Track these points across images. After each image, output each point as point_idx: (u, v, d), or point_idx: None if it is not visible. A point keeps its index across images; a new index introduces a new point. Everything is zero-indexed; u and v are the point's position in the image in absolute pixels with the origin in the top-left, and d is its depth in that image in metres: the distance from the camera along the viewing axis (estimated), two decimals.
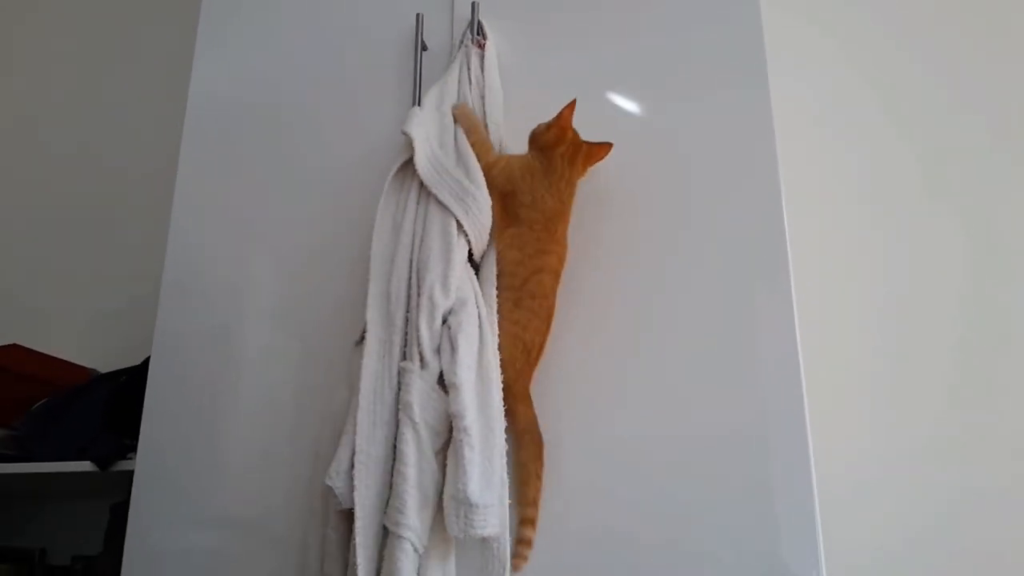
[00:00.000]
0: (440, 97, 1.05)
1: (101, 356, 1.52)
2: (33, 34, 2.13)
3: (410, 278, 0.93)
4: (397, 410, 0.87)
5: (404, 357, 0.90)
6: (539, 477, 0.89)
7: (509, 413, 0.89)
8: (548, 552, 0.87)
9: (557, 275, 0.96)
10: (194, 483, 1.03)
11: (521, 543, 0.87)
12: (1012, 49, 1.58)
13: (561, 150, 0.98)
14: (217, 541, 1.00)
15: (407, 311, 0.92)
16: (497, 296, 0.95)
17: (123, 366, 1.40)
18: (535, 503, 0.88)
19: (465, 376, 0.85)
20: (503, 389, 0.89)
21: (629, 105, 1.07)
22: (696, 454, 0.89)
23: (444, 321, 0.89)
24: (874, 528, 1.30)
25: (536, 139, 1.00)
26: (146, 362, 1.15)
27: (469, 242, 0.95)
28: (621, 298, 0.98)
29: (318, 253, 1.10)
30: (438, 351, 0.88)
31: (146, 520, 1.03)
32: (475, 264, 0.98)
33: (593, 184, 1.01)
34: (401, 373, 0.88)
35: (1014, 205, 1.47)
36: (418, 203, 0.97)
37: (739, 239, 0.97)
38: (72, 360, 1.51)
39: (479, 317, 0.91)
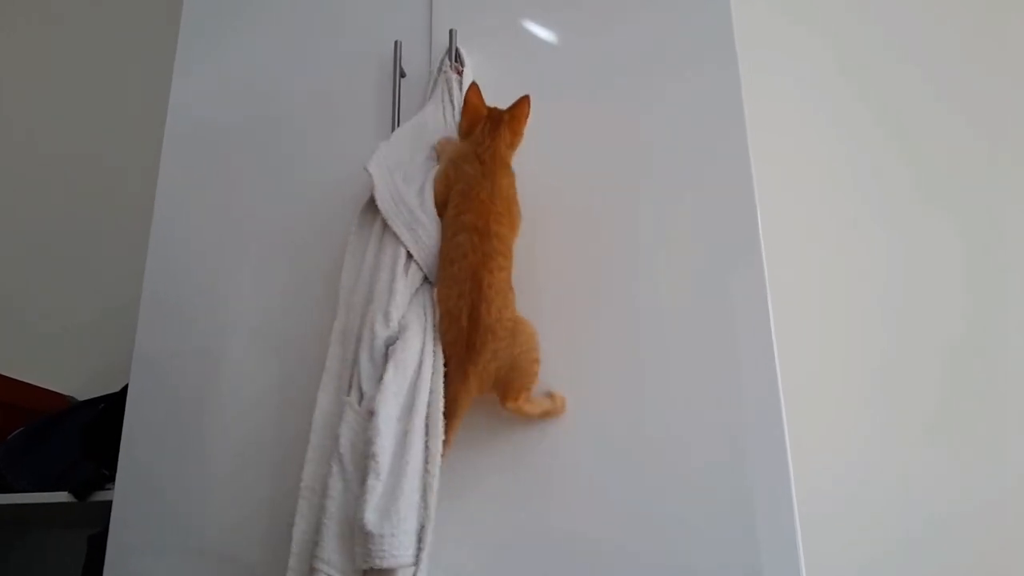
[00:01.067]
0: (416, 128, 1.06)
1: (79, 383, 1.51)
2: (8, 47, 2.12)
3: (363, 312, 0.93)
4: None
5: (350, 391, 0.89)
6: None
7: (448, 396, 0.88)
8: (526, 561, 0.87)
9: (478, 230, 0.92)
10: (173, 513, 1.02)
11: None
12: (1008, 52, 1.60)
13: (477, 131, 0.99)
14: (197, 572, 0.99)
15: (357, 345, 0.91)
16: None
17: (101, 393, 1.38)
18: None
19: (385, 401, 0.84)
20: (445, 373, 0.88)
21: (605, 117, 1.08)
22: (675, 469, 0.89)
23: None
24: (855, 543, 1.31)
25: (460, 133, 1.03)
26: (125, 389, 1.14)
27: (421, 268, 0.95)
28: (596, 309, 0.98)
29: (298, 274, 1.10)
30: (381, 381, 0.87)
31: (125, 551, 1.01)
32: None
33: (574, 209, 1.03)
34: (343, 407, 0.88)
35: (1010, 215, 1.49)
36: (380, 239, 0.98)
37: (715, 251, 0.98)
38: (49, 387, 1.49)
39: (422, 343, 0.90)
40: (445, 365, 0.90)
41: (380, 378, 0.86)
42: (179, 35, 1.31)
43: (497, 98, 1.03)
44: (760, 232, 0.97)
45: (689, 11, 1.09)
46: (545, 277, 0.99)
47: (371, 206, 1.00)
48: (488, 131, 0.99)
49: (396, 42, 1.14)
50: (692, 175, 1.02)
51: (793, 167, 1.52)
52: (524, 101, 1.00)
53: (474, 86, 1.02)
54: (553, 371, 0.93)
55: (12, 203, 1.91)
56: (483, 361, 0.88)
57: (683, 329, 0.95)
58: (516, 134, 1.00)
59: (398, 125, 1.10)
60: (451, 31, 1.12)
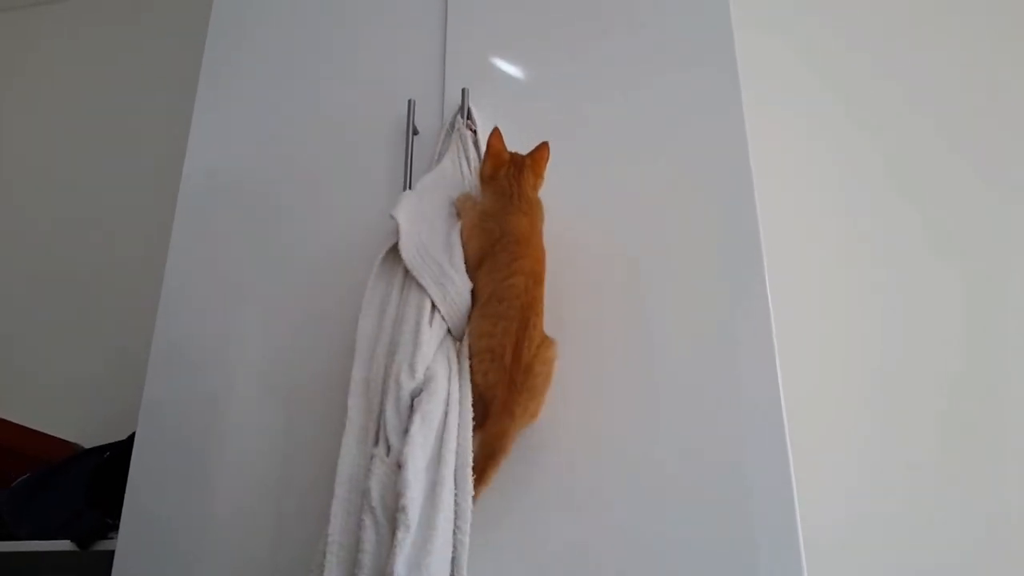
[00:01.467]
0: (437, 181, 1.08)
1: (85, 430, 1.51)
2: (27, 100, 2.17)
3: (387, 364, 0.93)
4: None
5: (377, 443, 0.89)
6: (483, 480, 0.87)
7: (480, 423, 0.90)
8: None
9: (534, 275, 0.96)
10: (178, 564, 1.01)
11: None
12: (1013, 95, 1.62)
13: (503, 172, 1.03)
14: None
15: (380, 396, 0.92)
16: (473, 317, 0.97)
17: (108, 441, 1.38)
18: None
19: (413, 453, 0.84)
20: (480, 401, 0.90)
21: (614, 172, 1.11)
22: (679, 506, 0.90)
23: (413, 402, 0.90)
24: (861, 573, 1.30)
25: (482, 178, 1.06)
26: (131, 437, 1.15)
27: (446, 321, 0.97)
28: (603, 332, 1.00)
29: (306, 324, 1.11)
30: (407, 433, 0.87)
31: None
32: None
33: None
34: (370, 460, 0.87)
35: (1014, 265, 1.49)
36: (402, 288, 0.99)
37: (721, 286, 1.00)
38: (55, 434, 1.49)
39: (447, 393, 0.90)
40: (484, 404, 0.91)
41: (406, 430, 0.86)
42: (197, 91, 1.35)
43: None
44: (765, 267, 0.99)
45: (698, 66, 1.13)
46: (555, 300, 1.00)
47: (391, 255, 1.02)
48: (514, 175, 1.03)
49: (410, 101, 1.17)
50: (700, 222, 1.05)
51: (796, 195, 1.55)
52: (544, 146, 1.05)
53: (496, 132, 1.06)
54: (564, 393, 0.95)
55: (23, 249, 1.94)
56: (524, 398, 0.91)
57: (688, 366, 0.97)
58: (539, 176, 1.05)
59: (411, 180, 1.12)
60: (463, 90, 1.16)
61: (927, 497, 1.34)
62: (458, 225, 1.04)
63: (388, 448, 0.87)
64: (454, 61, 1.22)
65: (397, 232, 1.00)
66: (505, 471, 0.91)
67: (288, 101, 1.29)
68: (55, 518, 1.25)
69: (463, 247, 1.02)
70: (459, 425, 0.89)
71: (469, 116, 1.14)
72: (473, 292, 0.99)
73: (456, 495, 0.85)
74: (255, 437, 1.07)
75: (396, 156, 1.16)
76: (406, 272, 0.99)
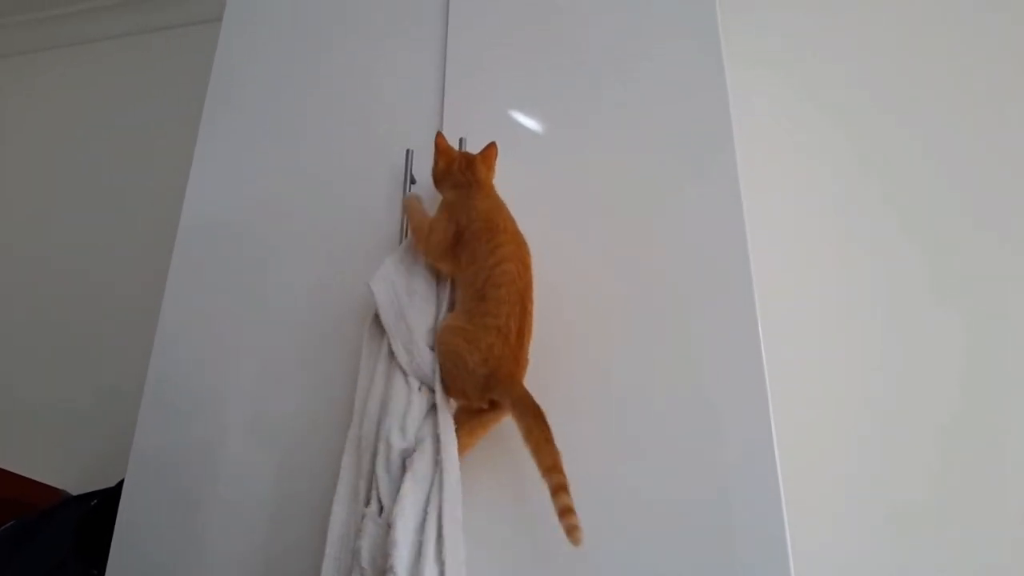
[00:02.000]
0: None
1: (73, 475, 1.49)
2: (25, 143, 2.19)
3: (378, 423, 0.94)
4: None
5: (368, 503, 0.89)
6: (549, 441, 0.86)
7: (501, 399, 0.91)
8: None
9: (520, 261, 0.98)
10: None
11: (564, 514, 0.82)
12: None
13: (456, 167, 1.07)
14: None
15: (371, 455, 0.92)
16: (466, 299, 0.98)
17: (95, 487, 1.36)
18: (558, 468, 0.84)
19: (403, 513, 0.84)
20: (489, 376, 0.91)
21: (611, 218, 1.11)
22: (669, 538, 0.89)
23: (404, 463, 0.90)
24: None
25: (435, 177, 1.10)
26: (120, 484, 1.13)
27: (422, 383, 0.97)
28: (597, 375, 1.00)
29: (300, 378, 1.11)
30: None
31: None
32: None
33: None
34: (362, 519, 0.87)
35: (1014, 306, 1.48)
36: (391, 349, 1.00)
37: (712, 325, 1.00)
38: (41, 480, 1.47)
39: (436, 454, 0.90)
40: (483, 377, 0.92)
41: (397, 489, 0.86)
42: (197, 136, 1.36)
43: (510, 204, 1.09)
44: (757, 307, 0.99)
45: (691, 119, 1.14)
46: (550, 346, 1.01)
47: (380, 318, 1.03)
48: (467, 167, 1.07)
49: (408, 150, 1.19)
50: (693, 271, 1.05)
51: (790, 234, 1.56)
52: (492, 145, 1.09)
53: (439, 134, 1.10)
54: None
55: (14, 292, 1.94)
56: (522, 375, 0.94)
57: (678, 393, 0.97)
58: (491, 168, 1.09)
59: (407, 229, 1.13)
60: (460, 139, 1.17)
61: (920, 540, 1.32)
62: (435, 288, 1.05)
63: (380, 507, 0.87)
64: (452, 111, 1.23)
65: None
66: (485, 516, 0.91)
67: (287, 150, 1.31)
68: (39, 569, 1.22)
69: (432, 241, 1.03)
70: (448, 486, 0.87)
71: None
72: (455, 281, 1.03)
73: (444, 556, 0.83)
74: (246, 487, 1.05)
75: (394, 204, 1.17)
76: None
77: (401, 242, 1.12)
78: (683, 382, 0.98)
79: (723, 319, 1.00)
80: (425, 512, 0.85)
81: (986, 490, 1.35)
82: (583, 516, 0.82)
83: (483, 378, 0.92)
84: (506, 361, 0.93)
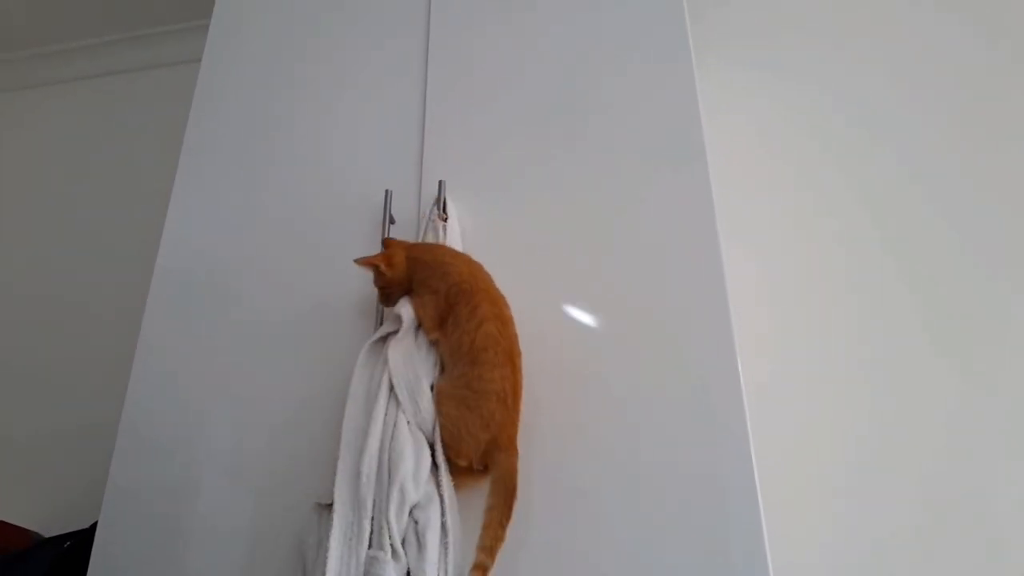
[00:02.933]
0: None
1: (45, 517, 1.46)
2: (3, 180, 2.19)
3: (381, 460, 0.93)
4: None
5: (370, 544, 0.89)
6: (501, 526, 0.89)
7: (492, 463, 0.92)
8: None
9: (499, 318, 1.00)
10: None
11: None
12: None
13: (410, 254, 1.07)
14: None
15: (375, 496, 0.91)
16: (457, 364, 0.98)
17: (69, 529, 1.34)
18: (490, 551, 0.87)
19: (431, 574, 0.86)
20: (491, 441, 0.93)
21: (590, 263, 1.13)
22: (650, 554, 0.91)
23: (410, 514, 0.90)
24: None
25: (396, 285, 1.08)
26: (93, 526, 1.12)
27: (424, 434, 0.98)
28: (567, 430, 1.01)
29: (279, 416, 1.11)
30: (404, 543, 0.88)
31: None
32: None
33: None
34: (369, 562, 0.87)
35: (1007, 358, 1.47)
36: (390, 387, 0.99)
37: (693, 366, 1.01)
38: (12, 521, 1.44)
39: (443, 516, 0.92)
40: (485, 443, 0.94)
41: (418, 545, 0.87)
42: (176, 175, 1.36)
43: (483, 245, 1.10)
44: (734, 328, 1.01)
45: (670, 163, 1.16)
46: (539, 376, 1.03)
47: (382, 342, 1.03)
48: (407, 268, 1.06)
49: (387, 191, 1.21)
50: (672, 320, 1.06)
51: (768, 271, 1.57)
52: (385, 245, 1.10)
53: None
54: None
55: None
56: (518, 432, 0.96)
57: (658, 416, 0.99)
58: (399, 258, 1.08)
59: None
60: (440, 182, 1.19)
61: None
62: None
63: (393, 552, 0.87)
64: (431, 153, 1.26)
65: (400, 323, 1.02)
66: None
67: (265, 190, 1.32)
68: None
69: (427, 317, 1.03)
70: (452, 548, 0.90)
71: (444, 208, 1.18)
72: (446, 347, 1.02)
73: None
74: (223, 529, 1.05)
75: (373, 244, 1.19)
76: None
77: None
78: (661, 407, 0.99)
79: (699, 337, 1.02)
80: (440, 570, 0.87)
81: (969, 530, 1.35)
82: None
83: (485, 443, 0.94)
84: (507, 426, 0.95)
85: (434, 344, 1.04)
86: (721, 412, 0.97)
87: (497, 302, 1.02)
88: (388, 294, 1.08)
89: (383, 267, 1.06)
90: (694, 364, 1.01)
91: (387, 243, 1.10)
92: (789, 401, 1.45)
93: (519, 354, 1.00)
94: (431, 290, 1.04)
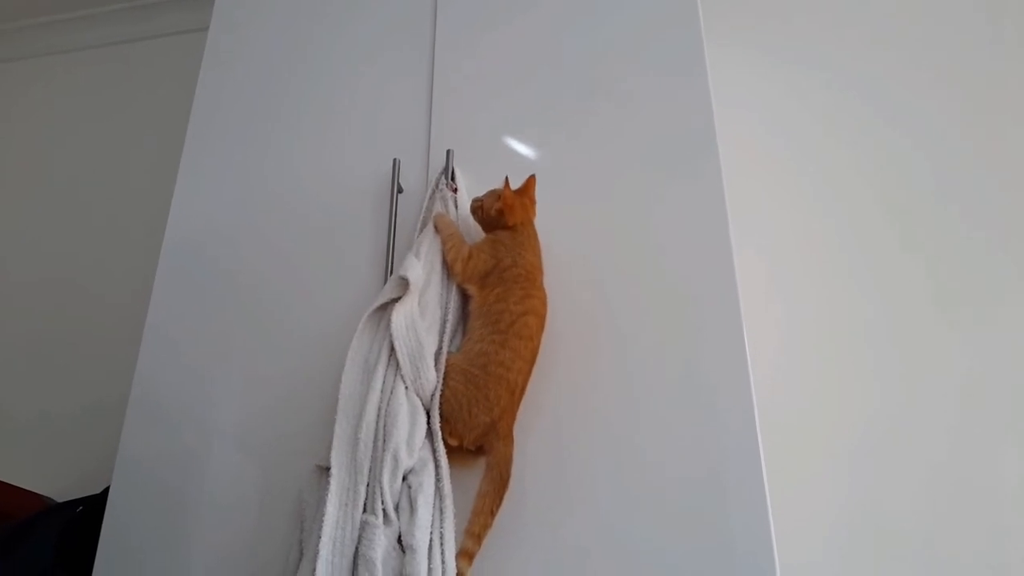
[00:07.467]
0: (432, 249, 1.08)
1: (58, 483, 1.48)
2: (9, 153, 2.18)
3: (377, 427, 0.93)
4: (355, 564, 0.85)
5: (365, 509, 0.89)
6: (491, 513, 0.90)
7: (488, 449, 0.93)
8: None
9: (541, 318, 1.01)
10: None
11: None
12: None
13: (515, 219, 1.07)
14: None
15: (371, 461, 0.91)
16: (485, 337, 0.99)
17: (81, 495, 1.36)
18: (478, 537, 0.89)
19: (421, 538, 0.86)
20: (490, 425, 0.94)
21: (595, 232, 1.12)
22: (651, 553, 0.90)
23: (403, 479, 0.91)
24: None
25: (488, 222, 1.09)
26: (106, 491, 1.13)
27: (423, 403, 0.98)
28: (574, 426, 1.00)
29: (287, 386, 1.11)
30: (396, 508, 0.89)
31: None
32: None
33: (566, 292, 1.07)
34: (363, 527, 0.87)
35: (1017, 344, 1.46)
36: (390, 352, 0.99)
37: (702, 354, 1.01)
38: (25, 487, 1.46)
39: (439, 482, 0.92)
40: (484, 428, 0.95)
41: (410, 509, 0.88)
42: (185, 142, 1.36)
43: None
44: (744, 331, 1.00)
45: (681, 142, 1.15)
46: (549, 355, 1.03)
47: (382, 310, 1.02)
48: (523, 219, 1.08)
49: (395, 160, 1.20)
50: (680, 299, 1.06)
51: (779, 257, 1.56)
52: (531, 180, 1.09)
53: (506, 183, 1.07)
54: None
55: (3, 306, 1.92)
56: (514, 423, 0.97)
57: (668, 419, 0.98)
58: (533, 209, 1.10)
59: (395, 237, 1.14)
60: (448, 151, 1.19)
61: (906, 567, 1.32)
62: (433, 291, 1.05)
63: (385, 516, 0.87)
64: (439, 121, 1.25)
65: (406, 288, 1.01)
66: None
67: (273, 160, 1.31)
68: None
69: (470, 267, 1.05)
70: (447, 514, 0.90)
71: (452, 177, 1.17)
72: (471, 304, 1.04)
73: None
74: (232, 495, 1.05)
75: (381, 213, 1.18)
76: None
77: (389, 251, 1.13)
78: (668, 400, 0.99)
79: (709, 335, 1.01)
80: (430, 538, 0.88)
81: (976, 520, 1.35)
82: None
83: (483, 426, 0.95)
84: (507, 415, 0.96)
85: (460, 290, 1.05)
86: (729, 411, 0.96)
87: (544, 303, 1.03)
88: (478, 219, 1.11)
89: (502, 203, 1.06)
90: (703, 361, 1.00)
91: (528, 185, 1.10)
92: (798, 400, 1.44)
93: (537, 355, 1.00)
94: (495, 254, 1.05)
